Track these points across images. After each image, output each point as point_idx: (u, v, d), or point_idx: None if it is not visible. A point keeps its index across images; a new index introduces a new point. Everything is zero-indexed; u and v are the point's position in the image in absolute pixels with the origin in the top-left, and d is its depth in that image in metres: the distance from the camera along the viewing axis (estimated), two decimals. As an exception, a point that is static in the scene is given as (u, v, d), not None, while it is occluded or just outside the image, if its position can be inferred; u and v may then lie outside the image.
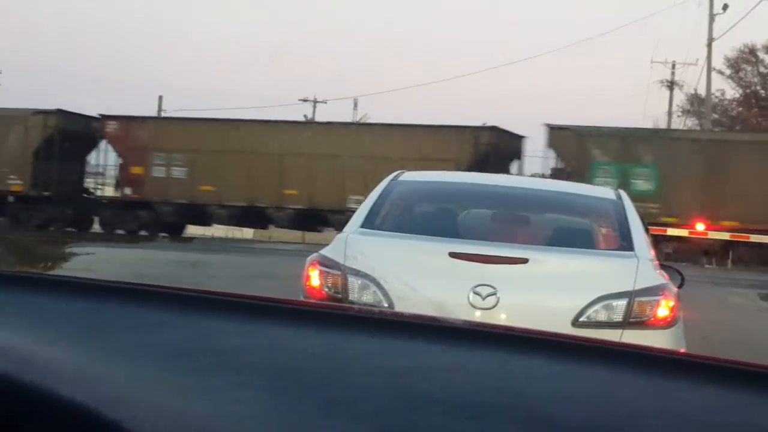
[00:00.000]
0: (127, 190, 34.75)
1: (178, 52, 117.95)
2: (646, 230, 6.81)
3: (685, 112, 56.64)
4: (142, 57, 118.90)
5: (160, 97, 49.31)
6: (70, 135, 34.76)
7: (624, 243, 6.23)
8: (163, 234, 34.33)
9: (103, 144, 36.70)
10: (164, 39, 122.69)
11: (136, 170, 34.39)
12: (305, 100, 59.46)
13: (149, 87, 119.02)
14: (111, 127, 34.98)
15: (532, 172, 33.51)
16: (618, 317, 5.65)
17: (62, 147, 34.38)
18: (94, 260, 21.21)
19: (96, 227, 35.92)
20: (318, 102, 59.49)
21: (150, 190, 34.14)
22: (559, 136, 31.75)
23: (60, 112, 35.27)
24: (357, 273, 5.77)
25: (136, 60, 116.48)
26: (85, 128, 35.67)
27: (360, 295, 5.74)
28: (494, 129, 33.09)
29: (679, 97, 55.83)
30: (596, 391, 1.29)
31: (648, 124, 51.05)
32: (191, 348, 1.34)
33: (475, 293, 5.60)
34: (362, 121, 48.70)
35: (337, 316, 1.65)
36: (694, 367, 1.41)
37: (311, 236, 35.36)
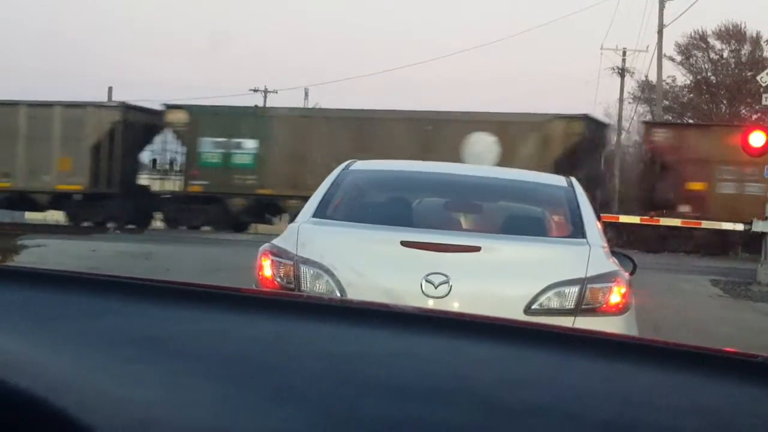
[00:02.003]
0: (685, 208, 30.35)
1: (123, 42, 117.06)
2: (598, 217, 6.84)
3: (636, 99, 57.04)
4: (88, 47, 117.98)
5: (110, 88, 48.49)
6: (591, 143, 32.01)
7: (576, 230, 6.25)
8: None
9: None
10: (110, 29, 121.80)
11: (696, 185, 30.50)
12: (256, 90, 59.06)
13: (95, 77, 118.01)
14: (660, 135, 31.80)
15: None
16: (570, 304, 5.68)
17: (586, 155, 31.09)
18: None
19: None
20: (269, 92, 59.15)
21: (714, 209, 29.33)
22: None
23: (585, 118, 32.33)
24: (309, 262, 5.74)
25: (81, 50, 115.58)
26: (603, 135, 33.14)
27: (312, 284, 5.72)
28: None
29: (630, 84, 56.22)
30: (543, 375, 1.30)
31: (599, 111, 51.30)
32: (137, 335, 1.34)
33: (428, 282, 5.60)
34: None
35: (285, 303, 1.65)
36: (637, 350, 1.42)
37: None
